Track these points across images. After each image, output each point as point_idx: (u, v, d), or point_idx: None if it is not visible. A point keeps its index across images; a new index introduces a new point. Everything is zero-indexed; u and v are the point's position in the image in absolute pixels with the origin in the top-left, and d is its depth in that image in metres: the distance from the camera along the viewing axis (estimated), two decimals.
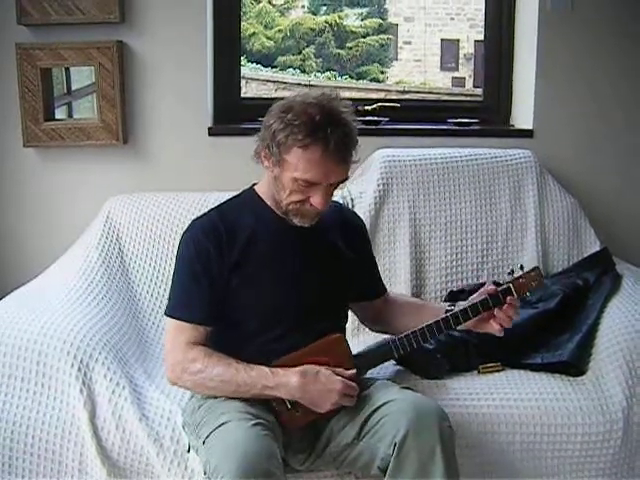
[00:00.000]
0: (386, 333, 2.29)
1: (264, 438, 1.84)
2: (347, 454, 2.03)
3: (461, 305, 2.14)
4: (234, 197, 2.22)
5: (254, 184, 2.21)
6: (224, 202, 2.20)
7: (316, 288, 2.10)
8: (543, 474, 2.20)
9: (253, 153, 2.11)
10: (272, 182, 2.07)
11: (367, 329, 2.43)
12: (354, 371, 2.04)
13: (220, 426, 1.89)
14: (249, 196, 2.18)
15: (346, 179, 2.05)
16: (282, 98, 2.08)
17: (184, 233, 2.13)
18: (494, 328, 2.11)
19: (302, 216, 2.06)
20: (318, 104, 1.98)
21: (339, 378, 1.99)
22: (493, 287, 2.12)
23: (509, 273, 2.14)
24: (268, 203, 2.13)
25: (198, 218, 2.15)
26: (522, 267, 2.14)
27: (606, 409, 2.21)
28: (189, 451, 2.09)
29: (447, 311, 2.14)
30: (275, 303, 2.08)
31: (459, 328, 2.16)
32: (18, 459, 2.16)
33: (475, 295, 2.15)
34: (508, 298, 2.08)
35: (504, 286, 2.11)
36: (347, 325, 2.29)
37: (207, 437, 1.91)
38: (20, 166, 3.10)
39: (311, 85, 11.45)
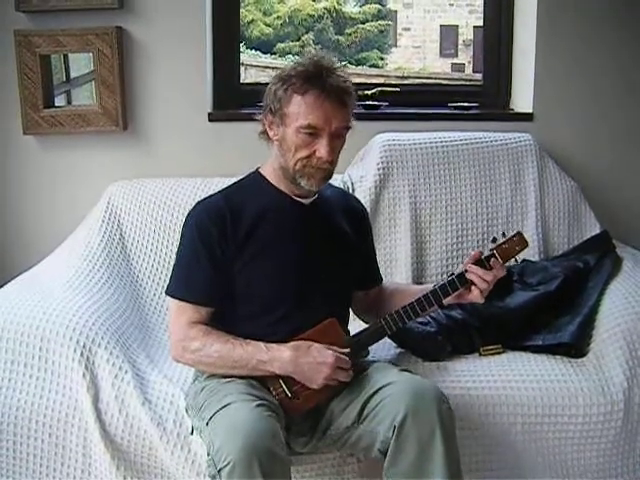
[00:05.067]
0: None
1: (268, 419, 1.85)
2: (348, 437, 2.04)
3: (442, 281, 2.15)
4: (239, 180, 2.22)
5: (258, 167, 2.21)
6: (229, 185, 2.21)
7: (320, 271, 2.11)
8: (544, 455, 2.21)
9: (260, 133, 2.13)
10: (279, 151, 2.07)
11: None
12: (347, 350, 2.04)
13: (224, 407, 1.90)
14: (254, 178, 2.19)
15: (349, 128, 2.07)
16: None
17: (188, 214, 2.14)
18: (474, 294, 2.09)
19: (309, 176, 2.05)
20: (310, 59, 2.05)
21: (331, 352, 2.00)
22: (477, 253, 2.11)
23: (492, 241, 2.13)
24: (274, 184, 2.14)
25: (202, 200, 2.16)
26: (504, 234, 2.14)
27: (607, 390, 2.22)
28: (192, 434, 2.10)
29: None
30: (278, 284, 2.08)
31: (447, 303, 2.15)
32: (22, 444, 2.17)
33: (459, 268, 2.16)
34: (492, 261, 2.08)
35: (488, 254, 2.11)
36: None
37: (211, 418, 1.91)
38: (20, 154, 3.10)
39: None
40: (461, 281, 2.10)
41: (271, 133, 2.08)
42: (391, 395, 1.94)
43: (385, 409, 1.94)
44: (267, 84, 2.10)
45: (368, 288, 2.33)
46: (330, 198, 2.21)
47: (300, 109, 2.00)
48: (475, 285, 2.08)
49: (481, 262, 2.09)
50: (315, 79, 2.00)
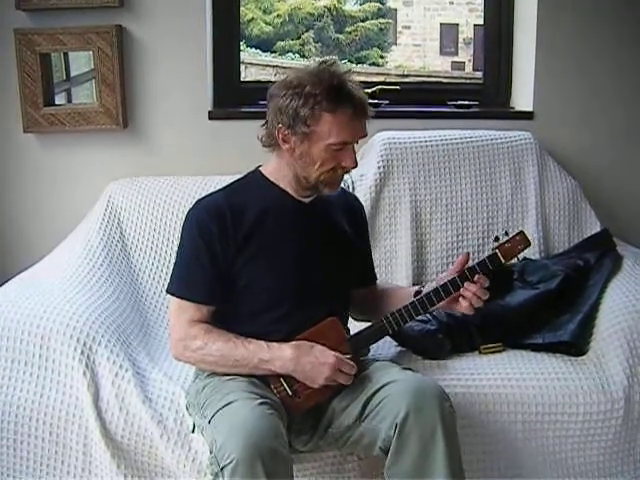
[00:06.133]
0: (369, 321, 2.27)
1: (270, 417, 1.85)
2: (349, 435, 2.04)
3: (428, 287, 2.14)
4: (239, 179, 2.22)
5: (259, 166, 2.21)
6: (229, 184, 2.21)
7: (320, 269, 2.11)
8: (544, 453, 2.21)
9: (262, 141, 2.13)
10: (296, 162, 2.07)
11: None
12: (349, 356, 2.04)
13: (226, 405, 1.90)
14: (255, 177, 2.19)
15: (366, 134, 2.11)
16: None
17: (188, 212, 2.14)
18: (462, 306, 2.10)
19: (332, 184, 2.11)
20: (327, 71, 2.05)
21: (333, 353, 2.00)
22: (464, 257, 2.12)
23: (495, 240, 2.13)
24: (274, 182, 2.14)
25: (203, 198, 2.16)
26: (507, 233, 2.14)
27: (607, 388, 2.22)
28: (193, 432, 2.10)
29: (417, 293, 2.15)
30: (279, 283, 2.09)
31: (432, 310, 2.15)
32: (23, 442, 2.18)
33: (444, 274, 2.16)
34: (476, 277, 2.08)
35: (490, 253, 2.11)
36: None
37: (213, 416, 1.91)
38: (20, 152, 3.10)
39: None
40: (454, 286, 2.09)
41: (285, 146, 2.07)
42: (393, 393, 1.95)
43: (387, 407, 1.94)
44: (268, 88, 2.09)
45: (363, 286, 2.33)
46: (329, 196, 2.21)
47: (332, 128, 2.01)
48: (465, 299, 2.08)
49: (469, 271, 2.09)
50: (342, 95, 2.01)
